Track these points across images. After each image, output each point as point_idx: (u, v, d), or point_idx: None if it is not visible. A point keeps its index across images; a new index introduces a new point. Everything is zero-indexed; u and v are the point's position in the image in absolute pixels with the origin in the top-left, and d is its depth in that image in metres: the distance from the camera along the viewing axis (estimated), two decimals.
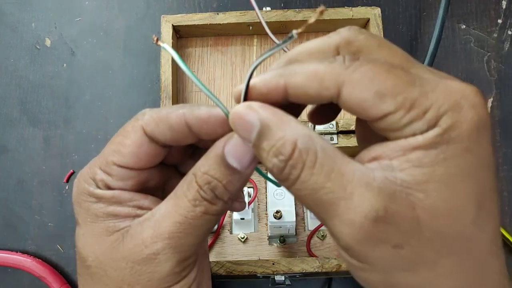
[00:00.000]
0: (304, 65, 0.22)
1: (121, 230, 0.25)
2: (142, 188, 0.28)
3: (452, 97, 0.20)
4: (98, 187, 0.26)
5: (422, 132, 0.20)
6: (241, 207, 0.30)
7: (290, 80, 0.22)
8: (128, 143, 0.26)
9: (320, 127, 0.47)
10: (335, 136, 0.47)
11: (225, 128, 0.24)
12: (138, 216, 0.26)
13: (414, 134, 0.20)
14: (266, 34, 0.52)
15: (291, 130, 0.21)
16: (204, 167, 0.24)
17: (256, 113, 0.21)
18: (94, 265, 0.25)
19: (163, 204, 0.25)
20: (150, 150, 0.26)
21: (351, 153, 0.51)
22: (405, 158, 0.20)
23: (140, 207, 0.26)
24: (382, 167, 0.20)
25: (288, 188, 0.21)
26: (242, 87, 0.23)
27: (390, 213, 0.19)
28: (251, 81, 0.23)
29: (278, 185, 0.30)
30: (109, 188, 0.26)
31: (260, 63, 0.21)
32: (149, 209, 0.26)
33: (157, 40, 0.25)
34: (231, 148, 0.24)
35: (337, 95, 0.21)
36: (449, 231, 0.20)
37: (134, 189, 0.27)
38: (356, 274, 0.22)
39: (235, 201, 0.29)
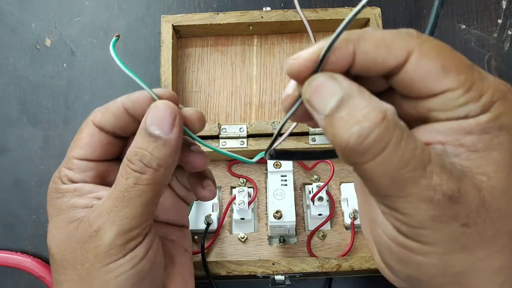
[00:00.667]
0: (372, 32, 0.22)
1: (78, 220, 0.27)
2: (105, 182, 0.30)
3: (500, 88, 0.21)
4: (63, 183, 0.29)
5: (474, 116, 0.20)
6: (210, 195, 0.32)
7: (360, 46, 0.21)
8: (82, 136, 0.29)
9: None
10: None
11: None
12: None
13: (466, 117, 0.21)
14: (266, 34, 0.53)
15: (376, 101, 0.20)
16: (133, 143, 0.27)
17: (339, 82, 0.21)
18: (56, 251, 0.28)
19: (109, 189, 0.28)
20: (102, 139, 0.29)
21: None
22: (458, 143, 0.21)
23: (98, 198, 0.28)
24: (437, 152, 0.21)
25: (362, 164, 0.20)
26: (318, 55, 0.21)
27: (462, 193, 0.20)
28: (311, 49, 0.22)
29: (250, 161, 0.29)
30: (72, 181, 0.29)
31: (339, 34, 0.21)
32: None
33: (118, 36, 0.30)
34: (151, 117, 0.26)
35: (403, 63, 0.21)
36: (508, 210, 0.21)
37: (96, 182, 0.29)
38: (407, 261, 0.23)
39: (202, 189, 0.32)
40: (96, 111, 0.30)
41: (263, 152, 0.26)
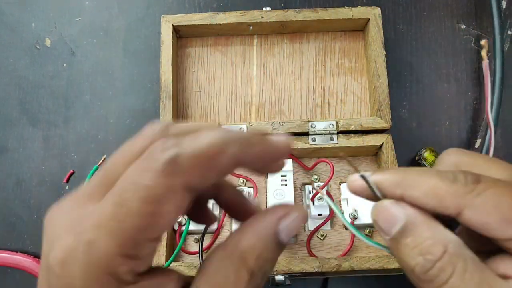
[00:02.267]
0: (423, 177, 0.22)
1: None
2: None
3: None
4: (124, 283, 0.19)
5: None
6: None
7: (407, 193, 0.22)
8: (165, 211, 0.19)
9: (320, 127, 0.47)
10: (335, 136, 0.47)
11: (282, 156, 0.23)
12: None
13: None
14: (266, 34, 0.53)
15: (440, 233, 0.21)
16: (257, 250, 0.21)
17: (403, 208, 0.22)
18: None
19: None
20: (189, 203, 0.20)
21: (351, 153, 0.50)
22: None
23: None
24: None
25: None
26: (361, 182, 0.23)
27: None
28: (372, 178, 0.23)
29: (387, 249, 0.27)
30: (138, 274, 0.19)
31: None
32: None
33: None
34: (286, 226, 0.22)
35: (456, 215, 0.21)
36: None
37: None
38: None
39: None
40: (188, 168, 0.19)
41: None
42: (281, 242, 0.21)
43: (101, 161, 0.40)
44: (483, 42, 0.49)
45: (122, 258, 0.18)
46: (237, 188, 0.26)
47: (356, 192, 0.24)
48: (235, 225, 0.47)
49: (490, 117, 0.50)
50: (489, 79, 0.50)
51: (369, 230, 0.46)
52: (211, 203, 0.46)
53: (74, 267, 0.18)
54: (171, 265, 0.42)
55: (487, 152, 0.50)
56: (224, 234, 0.46)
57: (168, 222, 0.19)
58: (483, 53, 0.49)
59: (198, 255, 0.44)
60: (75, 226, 0.19)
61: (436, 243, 0.20)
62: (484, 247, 0.22)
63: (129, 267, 0.19)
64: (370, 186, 0.23)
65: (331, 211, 0.46)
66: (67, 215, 0.20)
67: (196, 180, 0.19)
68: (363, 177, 0.23)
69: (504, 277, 0.21)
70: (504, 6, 0.57)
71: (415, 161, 0.52)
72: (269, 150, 0.22)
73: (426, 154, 0.51)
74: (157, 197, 0.18)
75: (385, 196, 0.23)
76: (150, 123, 0.21)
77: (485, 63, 0.49)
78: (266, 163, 0.23)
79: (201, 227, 0.45)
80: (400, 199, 0.22)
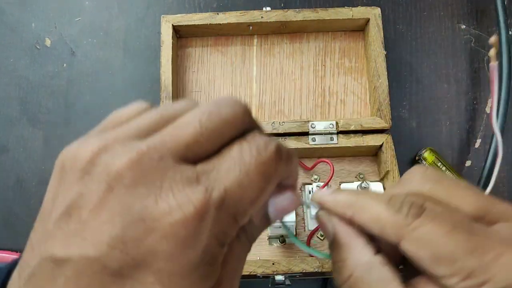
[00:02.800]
0: (373, 203, 0.23)
1: None
2: None
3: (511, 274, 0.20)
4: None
5: None
6: None
7: (357, 216, 0.23)
8: (268, 190, 0.20)
9: (320, 127, 0.47)
10: (335, 136, 0.47)
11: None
12: None
13: None
14: (266, 34, 0.53)
15: (355, 255, 0.23)
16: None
17: (332, 224, 0.24)
18: None
19: None
20: None
21: (351, 153, 0.50)
22: None
23: None
24: None
25: None
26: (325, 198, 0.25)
27: None
28: (324, 198, 0.25)
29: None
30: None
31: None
32: None
33: None
34: (275, 202, 0.22)
35: (396, 243, 0.22)
36: None
37: None
38: None
39: None
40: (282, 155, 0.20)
41: None
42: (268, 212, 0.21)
43: None
44: (493, 39, 0.39)
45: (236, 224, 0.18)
46: None
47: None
48: None
49: (496, 127, 0.44)
50: (496, 84, 0.42)
51: None
52: None
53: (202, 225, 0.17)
54: None
55: (494, 160, 0.46)
56: None
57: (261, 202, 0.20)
58: (492, 52, 0.39)
59: None
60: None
61: (346, 266, 0.23)
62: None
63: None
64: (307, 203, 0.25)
65: None
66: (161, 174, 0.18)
67: (284, 172, 0.20)
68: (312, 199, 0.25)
69: None
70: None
71: (415, 161, 0.52)
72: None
73: (426, 154, 0.51)
74: (270, 175, 0.19)
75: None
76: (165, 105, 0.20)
77: (493, 65, 0.40)
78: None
79: None
80: (350, 220, 0.23)
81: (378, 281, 0.22)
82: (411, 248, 0.21)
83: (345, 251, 0.23)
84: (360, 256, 0.23)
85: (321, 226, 0.25)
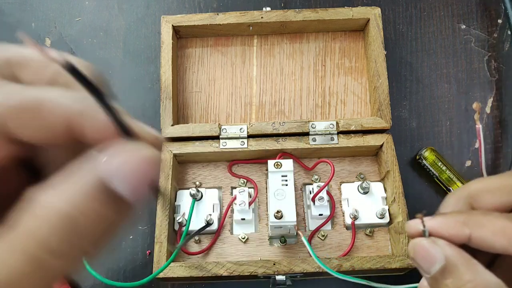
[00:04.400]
0: (490, 217, 0.22)
1: None
2: None
3: None
4: None
5: None
6: None
7: (476, 232, 0.22)
8: None
9: (320, 127, 0.47)
10: (335, 136, 0.47)
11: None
12: None
13: None
14: (266, 34, 0.53)
15: (480, 276, 0.21)
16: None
17: (442, 248, 0.22)
18: None
19: None
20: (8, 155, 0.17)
21: (352, 153, 0.50)
22: None
23: None
24: None
25: None
26: (420, 226, 0.23)
27: None
28: (429, 223, 0.23)
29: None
30: None
31: None
32: None
33: None
34: (118, 168, 0.15)
35: None
36: None
37: None
38: None
39: None
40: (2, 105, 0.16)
41: None
42: (117, 192, 0.15)
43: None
44: (475, 105, 0.44)
45: None
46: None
47: (412, 234, 0.24)
48: (236, 226, 0.47)
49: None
50: (482, 144, 0.48)
51: (370, 230, 0.46)
52: (211, 204, 0.46)
53: None
54: (170, 264, 0.42)
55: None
56: (225, 234, 0.46)
57: None
58: (476, 117, 0.45)
59: (200, 255, 0.44)
60: None
61: (478, 286, 0.21)
62: None
63: None
64: (424, 229, 0.23)
65: (332, 211, 0.46)
66: None
67: (15, 126, 0.16)
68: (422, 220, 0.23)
69: None
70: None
71: (415, 161, 0.52)
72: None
73: (427, 153, 0.51)
74: None
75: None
76: None
77: (478, 127, 0.47)
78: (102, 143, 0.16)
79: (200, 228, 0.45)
80: (467, 238, 0.22)
81: None
82: None
83: (469, 272, 0.21)
84: (487, 276, 0.21)
85: (420, 255, 0.23)
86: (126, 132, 0.16)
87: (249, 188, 0.47)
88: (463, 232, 0.22)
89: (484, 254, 0.23)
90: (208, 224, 0.45)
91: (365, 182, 0.46)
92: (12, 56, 0.18)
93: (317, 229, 0.46)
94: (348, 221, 0.46)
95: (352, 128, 0.47)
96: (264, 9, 0.50)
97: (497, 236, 0.22)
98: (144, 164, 0.15)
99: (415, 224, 0.24)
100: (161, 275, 0.41)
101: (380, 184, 0.47)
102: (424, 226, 0.23)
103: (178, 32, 0.51)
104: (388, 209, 0.46)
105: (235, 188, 0.48)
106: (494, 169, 0.53)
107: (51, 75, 0.18)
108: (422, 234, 0.23)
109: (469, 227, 0.22)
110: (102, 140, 0.16)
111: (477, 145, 0.53)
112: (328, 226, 0.47)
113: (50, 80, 0.18)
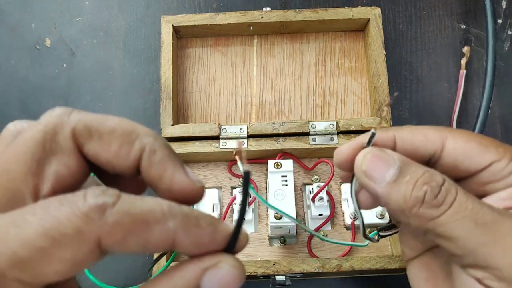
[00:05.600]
0: (408, 126, 0.26)
1: None
2: None
3: None
4: None
5: None
6: None
7: (398, 133, 0.25)
8: (58, 258, 0.16)
9: (320, 127, 0.47)
10: (335, 136, 0.47)
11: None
12: None
13: None
14: (266, 34, 0.53)
15: (429, 168, 0.23)
16: None
17: (392, 153, 0.24)
18: None
19: None
20: (92, 261, 0.18)
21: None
22: None
23: None
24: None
25: (439, 216, 0.22)
26: (363, 140, 0.25)
27: None
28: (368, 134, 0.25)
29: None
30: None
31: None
32: None
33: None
34: (212, 282, 0.17)
35: (441, 148, 0.24)
36: None
37: None
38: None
39: None
40: (107, 219, 0.16)
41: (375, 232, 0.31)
42: None
43: None
44: (465, 49, 0.46)
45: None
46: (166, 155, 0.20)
47: (342, 161, 0.26)
48: None
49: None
50: (461, 92, 0.49)
51: (369, 230, 0.46)
52: (211, 204, 0.47)
53: None
54: (170, 265, 0.42)
55: None
56: None
57: (55, 272, 0.15)
58: (463, 61, 0.47)
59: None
60: None
61: (435, 173, 0.22)
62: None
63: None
64: (370, 139, 0.24)
65: (332, 211, 0.46)
66: None
67: (113, 239, 0.16)
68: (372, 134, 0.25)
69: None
70: (504, 6, 0.57)
71: None
72: (215, 239, 0.18)
73: None
74: (59, 235, 0.15)
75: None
76: (50, 111, 0.20)
77: (462, 73, 0.48)
78: (204, 253, 0.18)
79: None
80: (393, 140, 0.25)
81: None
82: (457, 142, 0.23)
83: (421, 167, 0.23)
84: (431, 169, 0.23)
85: (374, 164, 0.24)
86: (230, 248, 0.18)
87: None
88: (387, 134, 0.25)
89: None
90: None
91: None
92: (93, 122, 0.19)
93: (317, 229, 0.46)
94: (348, 221, 0.46)
95: (352, 128, 0.47)
96: (264, 9, 0.50)
97: (415, 133, 0.24)
98: (232, 279, 0.17)
99: (357, 140, 0.25)
100: None
101: None
102: (372, 135, 0.24)
103: (178, 32, 0.51)
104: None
105: (235, 188, 0.48)
106: None
107: (136, 154, 0.19)
108: (364, 147, 0.25)
109: (393, 131, 0.25)
110: (199, 252, 0.18)
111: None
112: (328, 226, 0.47)
113: (136, 156, 0.19)
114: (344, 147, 0.25)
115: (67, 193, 0.16)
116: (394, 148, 0.25)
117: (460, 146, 0.23)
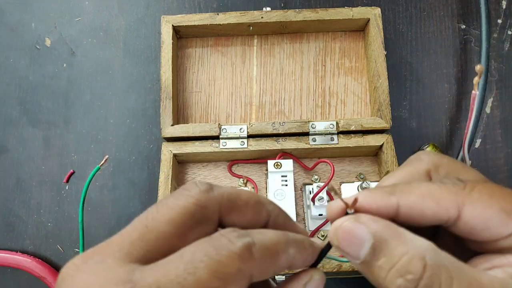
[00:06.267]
0: (415, 184, 0.21)
1: None
2: None
3: None
4: None
5: None
6: None
7: (404, 199, 0.21)
8: None
9: (320, 127, 0.47)
10: (335, 136, 0.47)
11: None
12: None
13: None
14: (266, 34, 0.53)
15: (413, 244, 0.19)
16: None
17: (366, 226, 0.20)
18: None
19: None
20: None
21: (352, 153, 0.50)
22: None
23: None
24: (508, 273, 0.20)
25: None
26: (340, 202, 0.22)
27: None
28: (357, 196, 0.22)
29: None
30: None
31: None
32: None
33: None
34: None
35: (456, 216, 0.20)
36: None
37: None
38: None
39: None
40: (254, 254, 0.19)
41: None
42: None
43: (102, 161, 0.40)
44: (478, 67, 0.43)
45: None
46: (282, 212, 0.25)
47: (333, 216, 0.23)
48: None
49: (466, 154, 0.44)
50: (474, 115, 0.45)
51: None
52: None
53: None
54: None
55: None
56: None
57: None
58: (475, 81, 0.44)
59: None
60: None
61: (413, 258, 0.19)
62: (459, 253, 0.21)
63: None
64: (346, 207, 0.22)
65: None
66: (97, 276, 0.18)
67: (259, 270, 0.19)
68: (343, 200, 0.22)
69: (494, 267, 0.20)
70: (504, 6, 0.57)
71: None
72: (313, 256, 0.23)
73: (429, 149, 0.50)
74: (227, 276, 0.18)
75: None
76: (190, 183, 0.22)
77: (474, 94, 0.45)
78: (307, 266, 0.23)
79: None
80: (395, 210, 0.21)
81: (451, 262, 0.19)
82: (475, 211, 0.20)
83: (401, 243, 0.19)
84: (419, 242, 0.19)
85: (344, 241, 0.21)
86: (316, 263, 0.24)
87: (249, 188, 0.47)
88: (390, 201, 0.21)
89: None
90: None
91: (365, 182, 0.46)
92: (232, 197, 0.22)
93: (317, 229, 0.46)
94: None
95: (352, 128, 0.47)
96: (264, 9, 0.50)
97: (425, 199, 0.20)
98: (321, 284, 0.23)
99: (337, 204, 0.22)
100: None
101: None
102: (346, 203, 0.21)
103: (178, 32, 0.51)
104: None
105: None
106: (494, 169, 0.53)
107: (265, 219, 0.23)
108: (345, 214, 0.21)
109: (396, 195, 0.21)
110: (303, 268, 0.23)
111: (477, 145, 0.53)
112: (328, 226, 0.47)
113: (264, 221, 0.23)
114: (335, 206, 0.23)
115: (202, 239, 0.19)
116: (394, 216, 0.21)
117: (479, 215, 0.20)
